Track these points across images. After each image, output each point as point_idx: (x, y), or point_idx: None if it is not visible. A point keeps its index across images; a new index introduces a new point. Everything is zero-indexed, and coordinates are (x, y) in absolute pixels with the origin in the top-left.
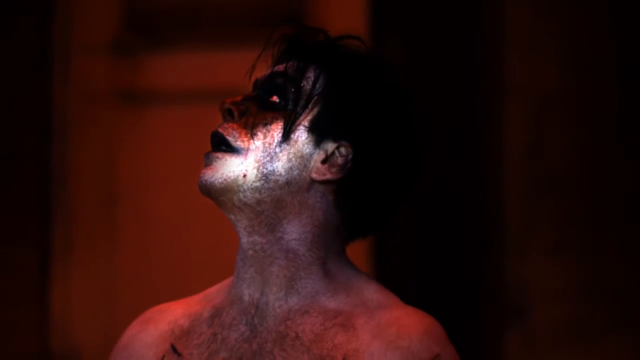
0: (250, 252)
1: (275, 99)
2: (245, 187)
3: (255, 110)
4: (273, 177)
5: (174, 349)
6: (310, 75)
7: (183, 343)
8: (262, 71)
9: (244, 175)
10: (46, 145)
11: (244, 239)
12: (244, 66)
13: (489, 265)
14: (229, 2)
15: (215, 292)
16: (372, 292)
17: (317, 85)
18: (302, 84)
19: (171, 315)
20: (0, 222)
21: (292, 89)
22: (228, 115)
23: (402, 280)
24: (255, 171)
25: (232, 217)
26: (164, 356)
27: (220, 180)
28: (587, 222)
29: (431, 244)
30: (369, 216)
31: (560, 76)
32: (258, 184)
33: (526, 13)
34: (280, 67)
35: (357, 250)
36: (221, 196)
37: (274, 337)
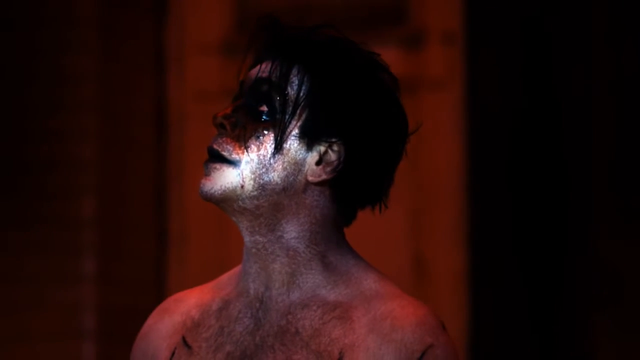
0: (254, 250)
1: (264, 108)
2: (244, 196)
3: (246, 121)
4: (270, 186)
5: (184, 341)
6: (294, 79)
7: (193, 335)
8: (247, 69)
9: (242, 186)
10: (163, 140)
11: (247, 238)
12: None
13: (582, 248)
14: (334, 2)
15: (227, 280)
16: (371, 282)
17: (302, 91)
18: (287, 91)
19: (184, 306)
20: (121, 212)
21: (278, 97)
22: (221, 129)
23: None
24: (252, 182)
25: (234, 218)
26: (175, 348)
27: (219, 192)
28: None
29: (528, 226)
30: (365, 199)
31: None
32: (255, 193)
33: None
34: (265, 71)
35: (455, 233)
36: (221, 203)
37: (276, 332)
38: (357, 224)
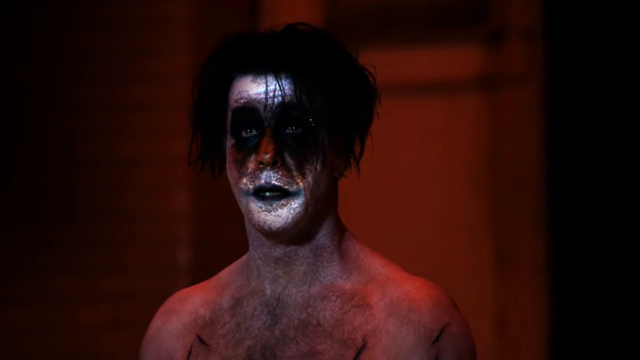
0: (285, 259)
1: (299, 131)
2: (306, 219)
3: (291, 150)
4: (321, 199)
5: (200, 339)
6: (313, 96)
7: (208, 333)
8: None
9: (306, 211)
10: None
11: (280, 251)
12: (433, 62)
13: None
14: (418, 2)
15: (227, 277)
16: (379, 266)
17: (321, 102)
18: (312, 111)
19: (191, 305)
20: (214, 205)
21: (310, 119)
22: (274, 166)
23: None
24: (312, 204)
25: (273, 240)
26: (191, 347)
27: (292, 225)
28: None
29: (608, 216)
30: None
31: None
32: (313, 211)
33: None
34: (287, 96)
35: (535, 223)
36: (286, 234)
37: (296, 325)
38: (438, 215)
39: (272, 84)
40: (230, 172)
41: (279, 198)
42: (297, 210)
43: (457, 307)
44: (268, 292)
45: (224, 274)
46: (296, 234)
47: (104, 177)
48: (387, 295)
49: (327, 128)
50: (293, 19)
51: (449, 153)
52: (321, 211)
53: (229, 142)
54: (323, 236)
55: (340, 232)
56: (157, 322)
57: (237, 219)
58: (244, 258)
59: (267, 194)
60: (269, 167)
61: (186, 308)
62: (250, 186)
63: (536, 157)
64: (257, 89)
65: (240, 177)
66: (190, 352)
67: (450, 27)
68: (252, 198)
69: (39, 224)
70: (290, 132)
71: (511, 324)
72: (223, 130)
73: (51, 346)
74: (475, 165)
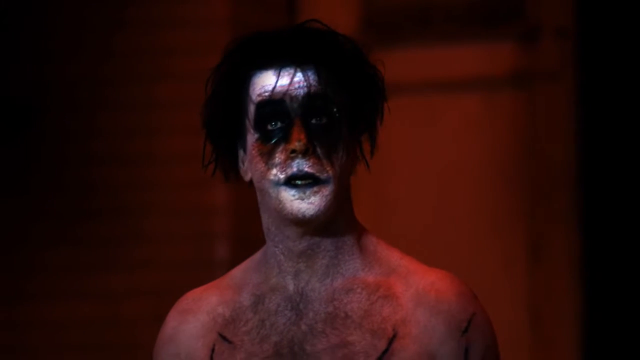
0: (309, 251)
1: (324, 120)
2: (334, 207)
3: (321, 140)
4: (344, 190)
5: (223, 337)
6: (336, 87)
7: (231, 331)
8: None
9: (335, 199)
10: None
11: (304, 243)
12: (468, 60)
13: None
14: (455, 2)
15: (241, 276)
16: (397, 259)
17: (342, 93)
18: (336, 101)
19: (207, 304)
20: (251, 200)
21: (334, 109)
22: (306, 154)
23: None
24: (339, 192)
25: (301, 229)
26: (214, 345)
27: (324, 213)
28: None
29: None
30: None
31: None
32: (338, 199)
33: None
34: (313, 86)
35: (569, 220)
36: (316, 222)
37: (324, 318)
38: (473, 210)
39: (297, 76)
40: (255, 166)
41: (311, 185)
42: (329, 197)
43: (477, 296)
44: (291, 287)
45: (236, 273)
46: (322, 224)
47: (145, 174)
48: (412, 286)
49: (347, 122)
50: (330, 17)
51: (484, 148)
52: (342, 203)
53: (252, 137)
54: (343, 229)
55: (358, 226)
56: (172, 323)
57: None
58: (257, 256)
59: (299, 182)
60: (300, 156)
61: (203, 308)
62: (282, 176)
63: (569, 152)
64: (281, 81)
65: (269, 169)
66: (213, 350)
67: (486, 25)
68: (283, 187)
69: (81, 220)
70: (316, 122)
71: (545, 318)
72: (238, 129)
73: (94, 340)
74: (510, 160)
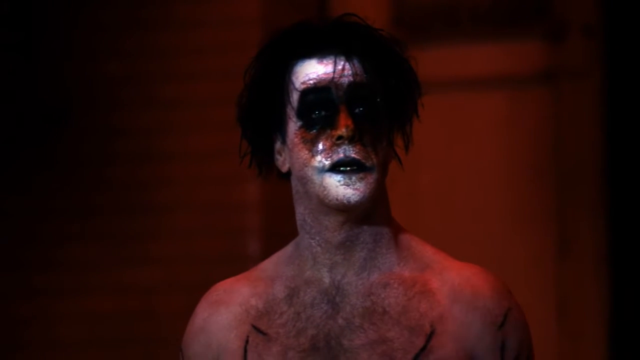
0: (347, 243)
1: (366, 110)
2: (376, 195)
3: (366, 127)
4: (383, 181)
5: (257, 329)
6: (378, 77)
7: (265, 323)
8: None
9: (378, 187)
10: None
11: (343, 235)
12: (496, 58)
13: None
14: (482, 1)
15: (273, 269)
16: (430, 254)
17: (384, 88)
18: (379, 92)
19: (239, 296)
20: (282, 196)
21: (377, 99)
22: (352, 141)
23: None
24: (381, 181)
25: (342, 218)
26: (248, 337)
27: (368, 199)
28: None
29: None
30: None
31: None
32: (379, 188)
33: None
34: (357, 75)
35: (596, 215)
36: (360, 208)
37: (361, 313)
38: (502, 206)
39: (341, 64)
40: (298, 154)
41: (357, 171)
42: (373, 185)
43: (510, 289)
44: (327, 280)
45: (267, 265)
46: (362, 214)
47: (178, 170)
48: (448, 282)
49: (386, 114)
50: (361, 16)
51: (512, 145)
52: (381, 194)
53: (294, 125)
54: (381, 222)
55: (392, 220)
56: (203, 314)
57: None
58: (288, 249)
59: (344, 168)
60: (347, 142)
61: (235, 300)
62: (327, 162)
63: (596, 149)
64: (325, 69)
65: (314, 156)
66: (247, 342)
67: (513, 24)
68: (328, 173)
69: (117, 216)
70: (359, 111)
71: (572, 312)
72: (276, 119)
73: (129, 333)
74: (538, 157)
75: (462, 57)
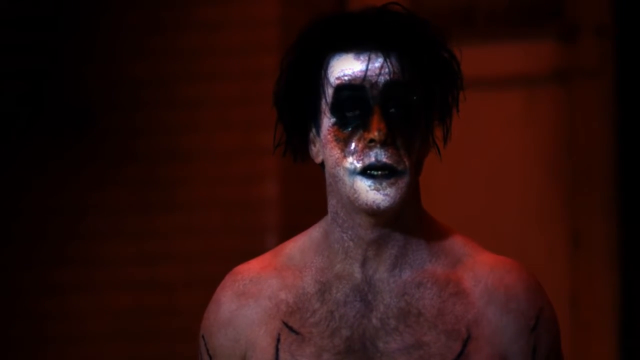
0: (379, 241)
1: (401, 110)
2: (407, 198)
3: (399, 130)
4: (416, 181)
5: (289, 327)
6: (417, 75)
7: (297, 321)
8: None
9: (409, 191)
10: None
11: (376, 233)
12: (511, 58)
13: None
14: (497, 2)
15: (300, 257)
16: (461, 245)
17: (424, 84)
18: (417, 89)
19: (268, 288)
20: (301, 194)
21: (414, 98)
22: (384, 144)
23: None
24: (413, 183)
25: (373, 219)
26: (279, 334)
27: (398, 205)
28: None
29: None
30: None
31: None
32: (412, 188)
33: None
34: (394, 74)
35: (609, 211)
36: (390, 213)
37: (396, 314)
38: (516, 202)
39: (378, 62)
40: (330, 152)
41: (388, 177)
42: (404, 189)
43: (542, 285)
44: (358, 275)
45: (293, 252)
46: (392, 216)
47: (199, 169)
48: (481, 281)
49: (424, 111)
50: None
51: (526, 143)
52: (413, 193)
53: (328, 121)
54: (412, 219)
55: (424, 215)
56: (230, 305)
57: (325, 207)
58: (315, 236)
59: (376, 172)
60: (379, 145)
61: (264, 292)
62: (358, 165)
63: (609, 145)
64: (361, 66)
65: (345, 156)
66: (279, 340)
67: (527, 25)
68: (359, 177)
69: (139, 214)
70: (395, 111)
71: (584, 306)
72: (312, 109)
73: (152, 328)
74: (551, 154)
75: (477, 57)
